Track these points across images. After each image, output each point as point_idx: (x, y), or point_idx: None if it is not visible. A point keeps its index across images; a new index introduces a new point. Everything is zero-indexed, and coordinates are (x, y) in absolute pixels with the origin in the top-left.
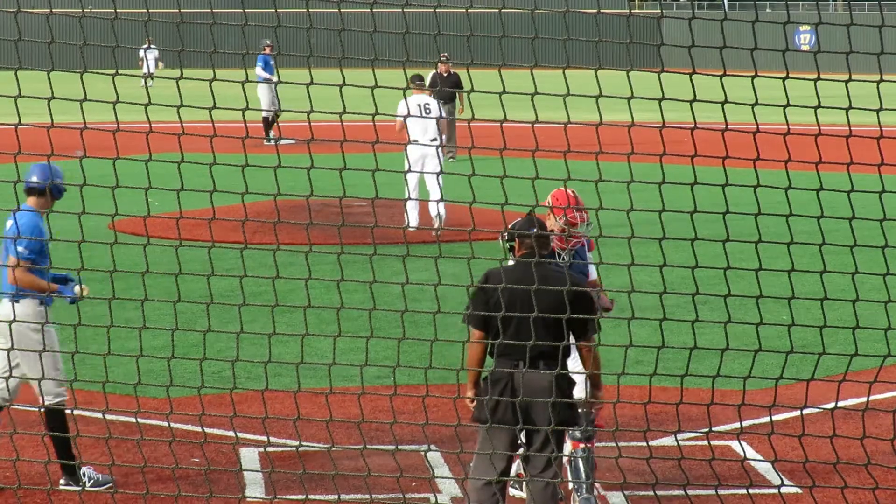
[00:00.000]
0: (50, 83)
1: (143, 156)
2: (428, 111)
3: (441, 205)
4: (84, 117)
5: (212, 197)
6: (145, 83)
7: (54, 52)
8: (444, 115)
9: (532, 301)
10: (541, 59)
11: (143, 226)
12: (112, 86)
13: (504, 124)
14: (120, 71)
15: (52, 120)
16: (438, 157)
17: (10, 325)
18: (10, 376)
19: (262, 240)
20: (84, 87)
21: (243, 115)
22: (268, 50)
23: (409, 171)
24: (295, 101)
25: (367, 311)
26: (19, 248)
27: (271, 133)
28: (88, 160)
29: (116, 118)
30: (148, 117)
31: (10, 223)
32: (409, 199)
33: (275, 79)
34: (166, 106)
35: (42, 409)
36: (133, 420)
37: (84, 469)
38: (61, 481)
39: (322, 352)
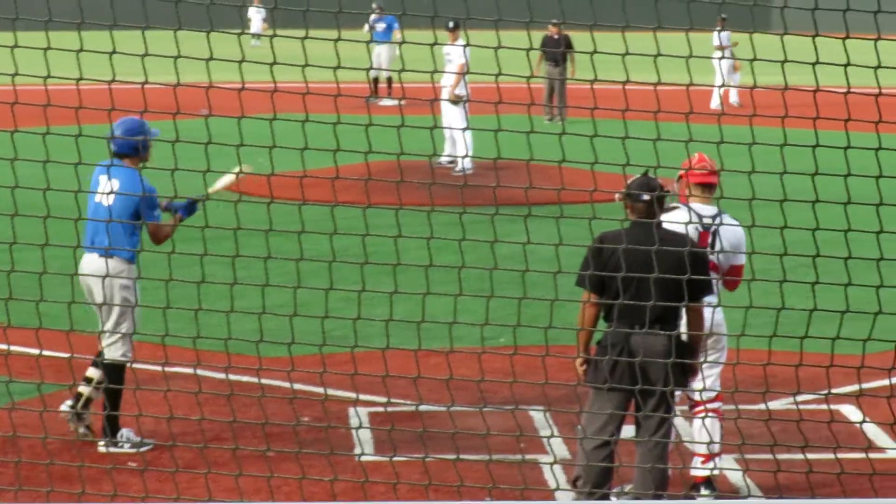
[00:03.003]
0: (176, 42)
1: (268, 115)
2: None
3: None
4: (210, 76)
5: (335, 156)
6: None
7: (180, 12)
8: (556, 76)
9: (650, 264)
10: (663, 21)
11: (268, 185)
12: (235, 45)
13: (626, 86)
14: (244, 30)
15: (178, 79)
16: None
17: (102, 281)
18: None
19: (382, 199)
20: (210, 46)
21: (367, 75)
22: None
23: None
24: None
25: (486, 271)
26: (154, 213)
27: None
28: (213, 119)
29: (242, 78)
30: (273, 77)
31: (118, 183)
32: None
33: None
34: (291, 65)
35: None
36: (255, 379)
37: (123, 430)
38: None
39: (435, 311)
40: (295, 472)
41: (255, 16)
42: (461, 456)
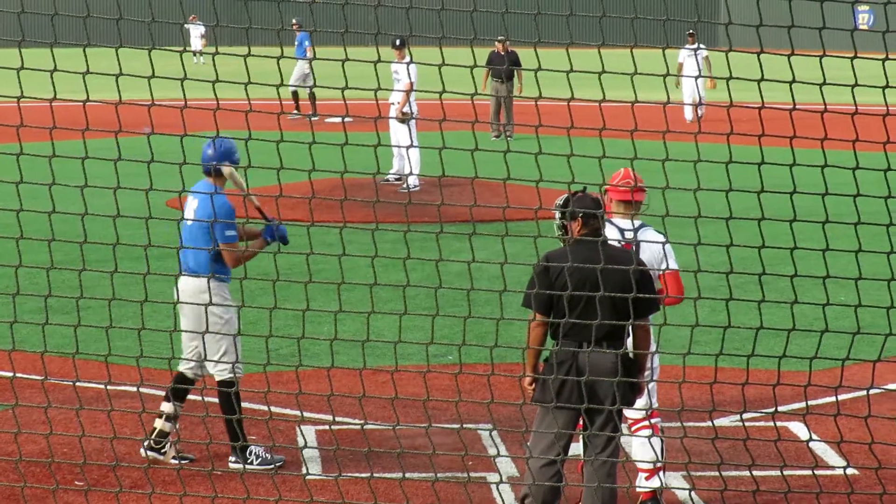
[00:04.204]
0: (118, 60)
1: (210, 132)
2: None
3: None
4: (152, 94)
5: (279, 174)
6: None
7: (121, 29)
8: (505, 93)
9: (598, 281)
10: (607, 38)
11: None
12: (176, 62)
13: (570, 103)
14: (185, 48)
15: (119, 96)
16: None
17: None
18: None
19: (327, 217)
20: (152, 64)
21: (310, 93)
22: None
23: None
24: (363, 79)
25: (432, 289)
26: (227, 233)
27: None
28: (155, 137)
29: (184, 95)
30: (216, 94)
31: (196, 202)
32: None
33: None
34: (233, 83)
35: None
36: (198, 397)
37: (252, 448)
38: (231, 458)
39: (382, 329)
40: (240, 492)
41: (193, 31)
42: (407, 475)
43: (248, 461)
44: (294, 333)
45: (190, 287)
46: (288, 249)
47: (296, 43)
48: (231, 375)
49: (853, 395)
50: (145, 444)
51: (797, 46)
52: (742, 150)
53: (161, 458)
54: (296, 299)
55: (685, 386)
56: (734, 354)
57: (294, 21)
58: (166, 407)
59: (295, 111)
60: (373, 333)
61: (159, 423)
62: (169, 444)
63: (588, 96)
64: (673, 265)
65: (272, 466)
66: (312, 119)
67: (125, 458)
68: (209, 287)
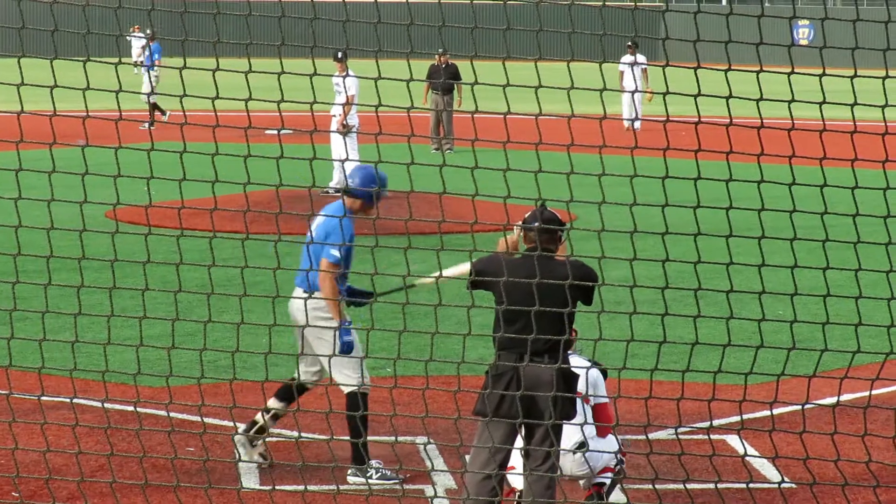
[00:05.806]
0: (53, 71)
1: (146, 144)
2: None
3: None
4: (86, 105)
5: (213, 187)
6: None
7: (56, 40)
8: (444, 106)
9: (540, 294)
10: (545, 51)
11: (145, 215)
12: (113, 74)
13: (507, 116)
14: (121, 59)
15: (54, 108)
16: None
17: (305, 311)
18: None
19: (262, 229)
20: (87, 76)
21: (246, 105)
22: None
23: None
24: (300, 92)
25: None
26: (332, 252)
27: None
28: (90, 149)
29: (119, 107)
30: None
31: (320, 220)
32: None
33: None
34: (169, 95)
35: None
36: (132, 409)
37: (373, 462)
38: (349, 471)
39: None
40: None
41: (135, 43)
42: (341, 487)
43: (368, 475)
44: (229, 346)
45: (297, 301)
46: (223, 262)
47: (146, 52)
48: (356, 389)
49: (789, 409)
50: (240, 431)
51: (737, 61)
52: (679, 164)
53: (247, 449)
54: (233, 311)
55: (621, 400)
56: (670, 369)
57: (149, 31)
58: (273, 403)
59: (160, 118)
60: None
61: (260, 418)
62: (261, 441)
63: (525, 110)
64: (602, 399)
65: (390, 482)
66: (151, 129)
67: (60, 471)
68: (310, 304)
